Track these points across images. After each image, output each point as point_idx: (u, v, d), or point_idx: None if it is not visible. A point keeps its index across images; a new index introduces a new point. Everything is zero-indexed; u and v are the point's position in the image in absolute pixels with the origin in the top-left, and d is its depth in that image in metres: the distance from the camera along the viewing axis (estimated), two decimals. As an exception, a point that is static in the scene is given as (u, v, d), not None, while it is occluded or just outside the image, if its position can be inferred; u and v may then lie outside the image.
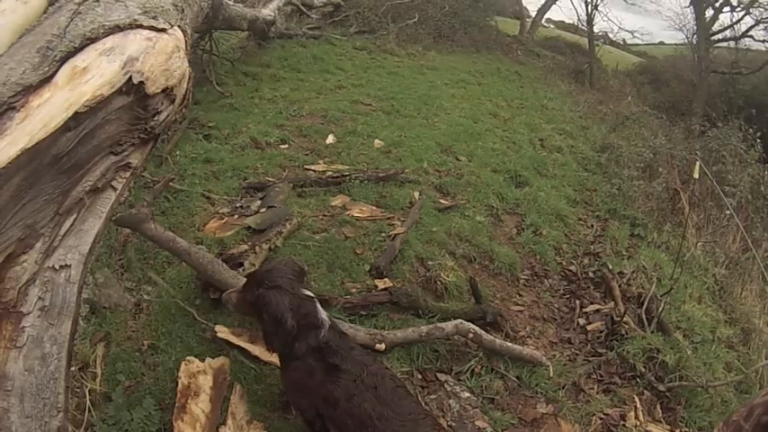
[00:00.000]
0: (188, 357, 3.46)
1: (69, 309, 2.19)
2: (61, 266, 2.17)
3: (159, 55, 2.43)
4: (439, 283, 4.87)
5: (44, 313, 2.10)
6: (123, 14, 2.52)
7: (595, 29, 23.88)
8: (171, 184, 5.23)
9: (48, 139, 1.94)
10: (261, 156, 6.64)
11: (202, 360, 3.45)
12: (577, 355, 4.86)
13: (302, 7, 14.79)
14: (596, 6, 23.19)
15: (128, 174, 2.47)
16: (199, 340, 3.72)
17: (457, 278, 4.97)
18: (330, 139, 7.57)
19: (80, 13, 2.50)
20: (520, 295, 5.48)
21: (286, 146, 7.14)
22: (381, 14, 16.68)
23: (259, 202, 5.48)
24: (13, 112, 1.96)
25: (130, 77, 2.23)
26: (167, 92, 2.49)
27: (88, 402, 3.05)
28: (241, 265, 4.17)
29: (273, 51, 11.51)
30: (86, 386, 3.14)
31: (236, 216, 5.16)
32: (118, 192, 2.44)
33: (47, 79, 2.10)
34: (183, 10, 3.23)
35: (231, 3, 8.59)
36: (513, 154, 8.71)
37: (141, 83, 2.28)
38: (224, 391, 3.35)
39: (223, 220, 5.07)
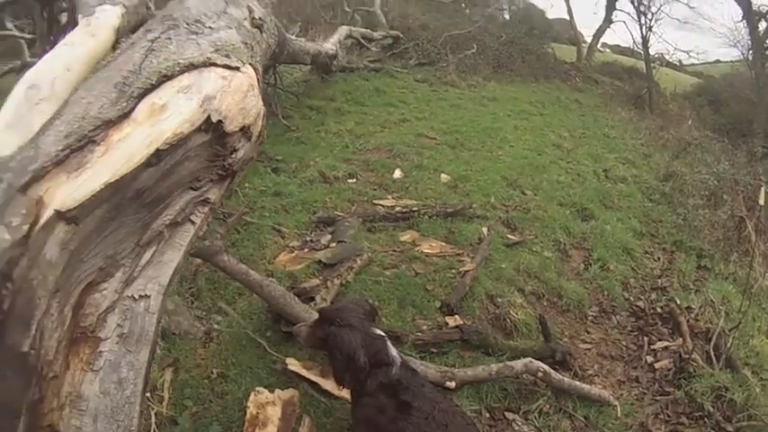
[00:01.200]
0: (257, 388, 3.50)
1: (147, 337, 2.22)
2: (141, 296, 2.21)
3: (235, 94, 2.46)
4: (508, 320, 4.83)
5: (122, 340, 2.13)
6: (196, 52, 2.58)
7: (651, 51, 23.59)
8: (234, 210, 5.33)
9: (130, 174, 1.97)
10: (330, 190, 6.72)
11: (272, 391, 3.48)
12: (645, 394, 4.72)
13: (362, 40, 15.00)
14: (650, 28, 22.94)
15: (206, 208, 2.51)
16: (269, 371, 3.75)
17: (526, 315, 4.93)
18: (397, 173, 7.61)
19: (153, 50, 2.57)
20: (588, 332, 5.39)
21: (354, 180, 7.20)
22: (440, 46, 16.83)
23: (329, 237, 5.54)
24: (94, 145, 2.01)
25: (209, 116, 2.26)
26: (244, 130, 2.52)
27: (154, 425, 3.15)
28: (312, 299, 4.20)
29: (336, 85, 11.67)
30: (153, 409, 3.23)
31: (306, 250, 5.22)
32: (197, 226, 2.48)
33: (125, 114, 2.14)
34: (252, 47, 3.29)
35: (294, 37, 8.73)
36: (578, 186, 8.62)
37: (220, 121, 2.32)
38: (292, 423, 3.37)
39: (293, 254, 5.13)
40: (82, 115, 2.10)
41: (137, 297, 2.19)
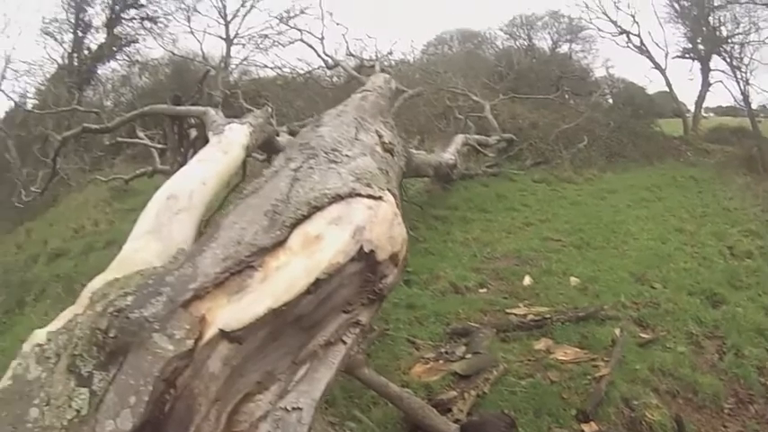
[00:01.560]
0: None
1: (297, 446, 2.32)
2: (293, 408, 2.31)
3: (383, 223, 2.60)
4: (644, 423, 4.73)
5: (273, 447, 2.24)
6: (339, 182, 2.75)
7: (754, 105, 23.42)
8: (375, 326, 5.48)
9: (293, 302, 2.12)
10: (462, 301, 6.85)
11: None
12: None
13: (479, 147, 15.31)
14: (747, 81, 22.57)
15: (357, 330, 2.61)
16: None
17: (662, 416, 4.82)
18: (527, 280, 7.69)
19: (298, 179, 2.78)
20: (725, 427, 5.16)
21: (485, 290, 7.32)
22: (552, 143, 17.04)
23: (464, 348, 5.63)
24: (252, 271, 2.17)
25: (361, 247, 2.39)
26: (393, 257, 2.64)
27: None
28: (449, 410, 4.28)
29: (458, 193, 11.99)
30: None
31: (441, 361, 5.32)
32: (348, 346, 2.57)
33: (280, 243, 2.30)
34: (387, 173, 3.45)
35: (415, 151, 9.08)
36: (705, 270, 8.39)
37: (372, 251, 2.45)
38: None
39: (428, 365, 5.23)
40: (237, 240, 2.29)
41: (289, 409, 2.30)
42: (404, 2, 50.06)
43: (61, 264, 14.71)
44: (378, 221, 2.59)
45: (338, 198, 2.59)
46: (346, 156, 3.21)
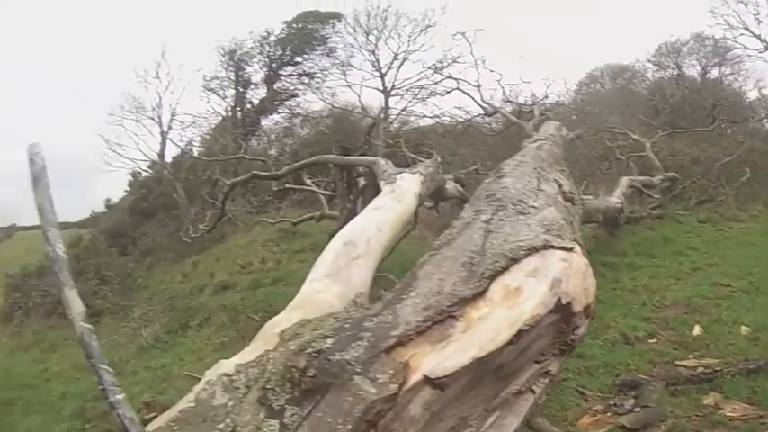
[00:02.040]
0: None
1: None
2: None
3: (577, 275, 2.63)
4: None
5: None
6: (531, 234, 2.82)
7: None
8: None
9: (496, 351, 2.16)
10: (631, 351, 6.72)
11: None
12: None
13: (643, 188, 14.96)
14: None
15: (546, 380, 2.64)
16: None
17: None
18: (696, 330, 7.39)
19: (491, 231, 2.87)
20: None
21: (654, 340, 7.15)
22: (715, 179, 16.33)
23: (632, 401, 5.48)
24: (454, 320, 2.24)
25: (559, 299, 2.43)
26: (586, 309, 2.67)
27: None
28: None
29: (625, 238, 11.79)
30: None
31: (609, 414, 5.22)
32: (536, 395, 2.60)
33: (480, 294, 2.37)
34: (571, 223, 3.48)
35: (583, 197, 9.01)
36: None
37: (568, 303, 2.48)
38: None
39: (596, 417, 5.16)
40: (437, 290, 2.37)
41: (478, 454, 2.34)
42: (549, 42, 49.77)
43: (227, 296, 15.60)
44: (572, 273, 2.63)
45: (533, 250, 2.65)
46: (532, 207, 3.27)
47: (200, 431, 2.00)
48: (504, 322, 2.26)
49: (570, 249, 2.79)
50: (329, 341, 2.09)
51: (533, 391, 2.61)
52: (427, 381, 2.03)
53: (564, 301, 2.47)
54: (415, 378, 2.01)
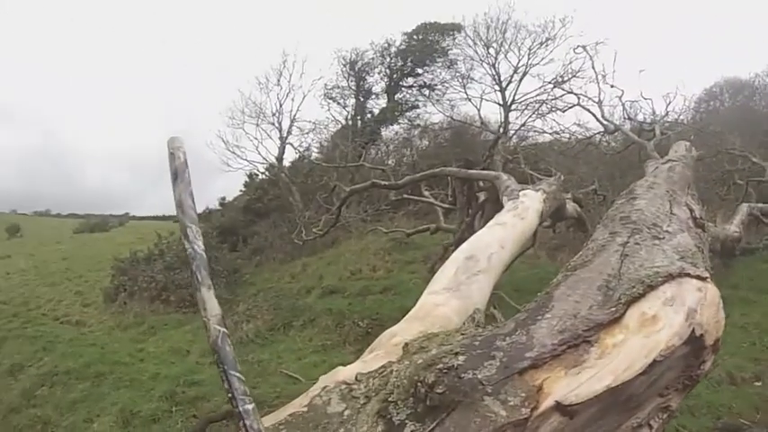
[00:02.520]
0: None
1: None
2: None
3: (711, 306, 2.52)
4: None
5: None
6: (666, 260, 2.74)
7: None
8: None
9: (629, 382, 2.09)
10: (736, 393, 6.50)
11: None
12: None
13: (762, 217, 14.22)
14: None
15: (665, 415, 2.53)
16: None
17: None
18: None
19: (627, 255, 2.79)
20: None
21: (760, 383, 6.82)
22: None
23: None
24: (589, 346, 2.16)
25: (693, 330, 2.34)
26: (715, 342, 2.55)
27: None
28: None
29: (739, 270, 11.27)
30: None
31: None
32: (653, 430, 2.48)
33: (616, 320, 2.29)
34: (702, 251, 3.31)
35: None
36: None
37: (701, 335, 2.39)
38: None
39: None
40: (572, 313, 2.31)
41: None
42: (669, 57, 48.61)
43: (334, 300, 15.96)
44: (707, 304, 2.52)
45: (670, 277, 2.56)
46: (667, 231, 3.18)
47: None
48: (640, 351, 2.19)
49: (705, 279, 2.68)
50: (461, 358, 2.04)
51: (651, 427, 2.49)
52: (558, 407, 1.97)
53: (697, 333, 2.38)
54: (546, 404, 1.94)
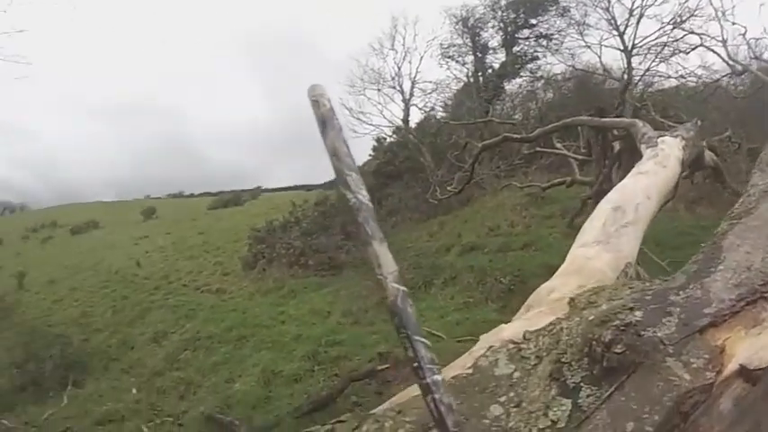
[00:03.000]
0: None
1: None
2: None
3: None
4: None
5: None
6: None
7: None
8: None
9: None
10: None
11: None
12: None
13: None
14: None
15: None
16: None
17: None
18: None
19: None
20: None
21: None
22: None
23: None
24: (766, 302, 1.95)
25: None
26: None
27: None
28: None
29: None
30: None
31: None
32: None
33: None
34: None
35: None
36: None
37: None
38: None
39: None
40: (746, 266, 2.10)
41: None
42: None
43: (475, 257, 15.71)
44: None
45: None
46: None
47: (477, 403, 1.81)
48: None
49: None
50: (637, 314, 1.86)
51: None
52: (742, 372, 1.74)
53: None
54: (731, 367, 1.74)
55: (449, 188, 16.49)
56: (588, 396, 1.70)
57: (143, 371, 13.41)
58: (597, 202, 4.07)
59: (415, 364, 1.36)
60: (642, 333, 1.77)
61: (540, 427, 1.68)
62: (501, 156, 22.76)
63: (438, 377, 1.36)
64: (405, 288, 1.41)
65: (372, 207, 1.54)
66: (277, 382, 10.37)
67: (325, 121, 1.50)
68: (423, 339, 1.38)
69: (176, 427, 9.72)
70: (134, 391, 11.92)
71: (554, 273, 3.10)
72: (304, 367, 10.67)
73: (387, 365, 9.14)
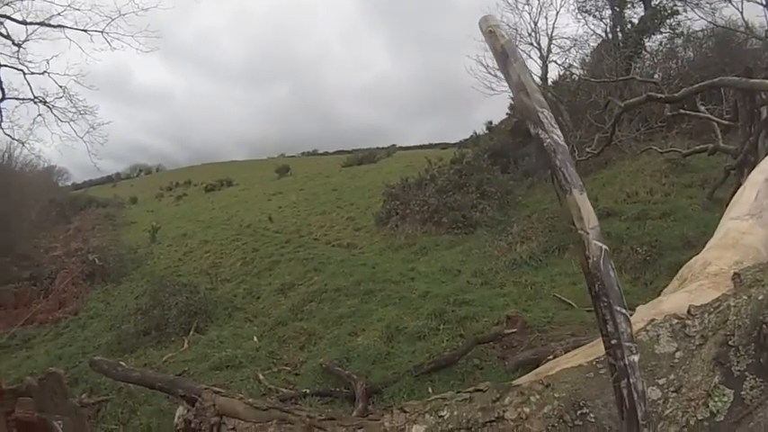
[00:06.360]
0: None
1: None
2: None
3: None
4: None
5: None
6: None
7: None
8: None
9: None
10: None
11: None
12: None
13: None
14: None
15: None
16: None
17: None
18: None
19: None
20: None
21: None
22: None
23: None
24: None
25: None
26: None
27: None
28: None
29: None
30: None
31: None
32: None
33: None
34: None
35: None
36: None
37: None
38: None
39: None
40: None
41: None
42: None
43: (611, 223, 15.21)
44: None
45: None
46: None
47: None
48: None
49: None
50: None
51: None
52: None
53: None
54: None
55: (587, 149, 16.14)
56: (752, 388, 1.57)
57: (266, 320, 13.79)
58: (741, 173, 3.77)
59: (614, 341, 1.23)
60: (819, 322, 1.55)
61: (699, 418, 1.55)
62: (641, 118, 21.97)
63: (635, 358, 1.24)
64: (607, 247, 1.28)
65: (569, 150, 1.39)
66: (400, 339, 10.36)
67: (507, 53, 1.40)
68: (624, 311, 1.25)
69: (293, 376, 9.90)
70: (255, 339, 12.27)
71: (692, 246, 2.91)
72: (429, 325, 10.59)
73: (514, 330, 8.93)
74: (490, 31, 1.40)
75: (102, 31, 23.40)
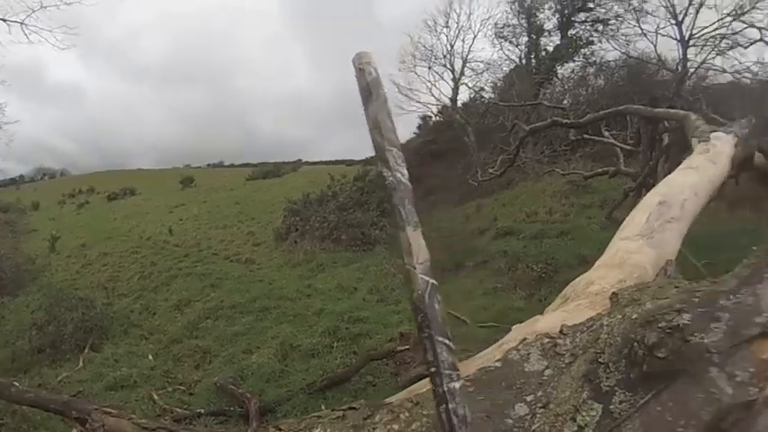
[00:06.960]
0: None
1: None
2: None
3: None
4: None
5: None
6: None
7: None
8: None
9: None
10: None
11: None
12: None
13: None
14: None
15: None
16: None
17: None
18: None
19: None
20: None
21: None
22: None
23: None
24: None
25: None
26: None
27: None
28: None
29: None
30: None
31: None
32: None
33: None
34: None
35: None
36: None
37: None
38: None
39: None
40: None
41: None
42: None
43: (509, 242, 15.85)
44: None
45: None
46: None
47: (501, 400, 1.69)
48: None
49: None
50: (686, 317, 1.61)
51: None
52: None
53: None
54: None
55: (490, 170, 16.54)
56: (621, 402, 1.58)
57: (162, 337, 13.59)
58: (640, 195, 3.89)
59: (433, 369, 1.27)
60: (689, 338, 1.58)
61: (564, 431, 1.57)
62: (546, 141, 22.63)
63: (456, 385, 1.27)
64: (435, 281, 1.33)
65: (411, 188, 1.45)
66: (294, 356, 10.39)
67: (370, 91, 1.43)
68: (446, 341, 1.29)
69: (188, 395, 9.79)
70: (150, 357, 12.07)
71: (588, 264, 2.98)
72: (323, 342, 10.67)
73: (407, 346, 9.01)
74: (360, 69, 1.43)
75: (21, 22, 22.08)
